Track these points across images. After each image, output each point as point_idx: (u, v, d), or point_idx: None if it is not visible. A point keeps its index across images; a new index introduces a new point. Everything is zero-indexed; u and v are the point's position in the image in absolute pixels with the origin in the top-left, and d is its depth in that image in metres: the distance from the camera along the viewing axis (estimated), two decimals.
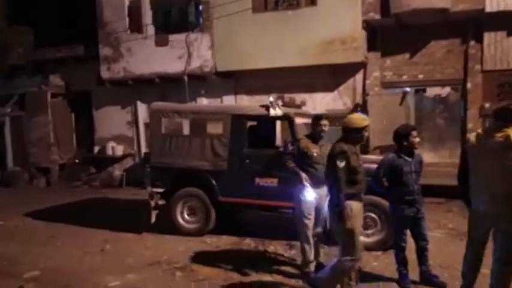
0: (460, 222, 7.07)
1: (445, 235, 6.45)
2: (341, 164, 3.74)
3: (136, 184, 11.10)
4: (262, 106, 6.27)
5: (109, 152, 12.11)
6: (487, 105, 8.91)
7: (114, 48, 11.34)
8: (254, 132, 7.12)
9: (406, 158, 4.45)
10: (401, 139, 4.47)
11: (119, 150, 12.12)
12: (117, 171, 12.38)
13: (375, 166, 5.59)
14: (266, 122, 6.78)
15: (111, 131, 12.40)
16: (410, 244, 4.72)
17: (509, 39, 8.75)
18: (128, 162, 12.46)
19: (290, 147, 5.86)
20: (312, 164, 4.77)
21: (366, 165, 5.22)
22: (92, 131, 12.74)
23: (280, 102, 6.13)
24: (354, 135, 3.88)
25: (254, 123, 7.26)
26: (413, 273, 4.62)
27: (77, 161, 12.99)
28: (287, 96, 6.71)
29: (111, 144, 12.14)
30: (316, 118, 5.01)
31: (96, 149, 12.57)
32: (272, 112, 6.06)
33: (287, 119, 6.12)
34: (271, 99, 6.08)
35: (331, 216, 3.91)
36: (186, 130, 6.76)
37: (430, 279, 4.54)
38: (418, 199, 4.48)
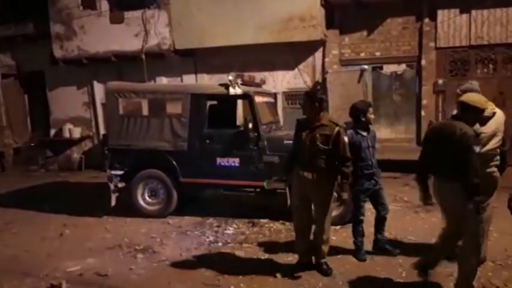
0: (416, 195, 7.33)
1: (400, 208, 6.71)
2: (477, 149, 3.36)
3: (96, 167, 10.82)
4: (221, 85, 6.23)
5: (66, 134, 11.73)
6: (440, 81, 9.22)
7: (66, 25, 10.86)
8: (215, 112, 7.09)
9: (363, 133, 4.58)
10: (360, 114, 4.59)
11: (77, 132, 11.75)
12: (76, 154, 12.04)
13: None
14: (226, 101, 6.75)
15: (68, 113, 11.98)
16: (367, 217, 4.92)
17: (462, 16, 9.01)
18: (87, 145, 12.13)
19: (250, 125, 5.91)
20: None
21: None
22: (47, 113, 12.27)
23: (239, 81, 6.09)
24: (474, 115, 3.49)
25: (214, 102, 7.23)
26: (369, 246, 4.82)
27: (32, 144, 12.50)
28: (247, 74, 6.62)
29: (68, 126, 11.75)
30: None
31: (53, 131, 12.15)
32: (232, 91, 6.03)
33: (247, 97, 6.11)
34: (230, 77, 6.03)
35: (463, 209, 3.43)
36: (144, 110, 6.60)
37: (384, 246, 4.77)
38: (376, 172, 4.68)
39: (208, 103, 7.04)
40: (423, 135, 4.22)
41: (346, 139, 4.04)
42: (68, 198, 8.15)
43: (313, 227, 4.27)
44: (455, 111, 3.80)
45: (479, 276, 4.06)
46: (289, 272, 4.24)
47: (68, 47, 10.96)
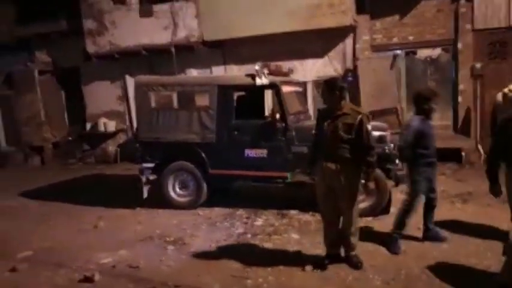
0: (453, 184, 7.15)
1: None
2: None
3: (130, 159, 11.01)
4: (248, 75, 6.18)
5: (101, 128, 12.01)
6: (477, 65, 8.80)
7: (97, 21, 11.07)
8: (243, 103, 7.07)
9: (428, 120, 4.44)
10: (424, 102, 4.41)
11: (111, 126, 12.02)
12: (111, 147, 12.34)
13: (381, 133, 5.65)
14: (253, 92, 6.70)
15: (102, 107, 12.25)
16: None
17: None
18: (121, 138, 12.37)
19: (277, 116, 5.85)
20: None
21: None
22: (83, 107, 12.60)
23: (266, 71, 6.02)
24: None
25: (242, 93, 7.20)
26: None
27: (70, 138, 12.89)
28: (273, 64, 6.54)
29: (102, 120, 12.03)
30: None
31: (88, 125, 12.46)
32: (258, 81, 5.98)
33: (274, 87, 6.05)
34: (256, 67, 5.98)
35: None
36: (173, 103, 6.64)
37: (436, 235, 4.68)
38: (436, 160, 4.59)
39: (236, 94, 7.06)
40: (498, 126, 4.00)
41: (369, 127, 3.93)
42: (104, 190, 8.38)
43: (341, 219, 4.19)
44: (499, 97, 3.64)
45: None
46: (318, 264, 4.18)
47: (100, 42, 11.17)
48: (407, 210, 4.52)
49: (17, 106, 12.74)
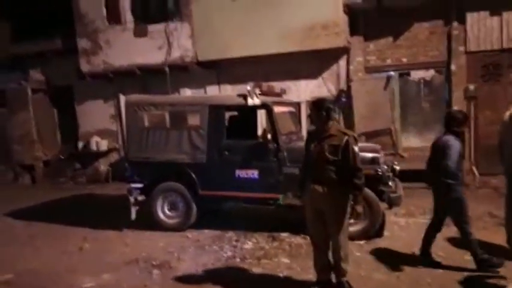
0: None
1: (429, 220, 6.34)
2: None
3: (122, 179, 10.87)
4: (239, 95, 6.11)
5: (93, 147, 11.88)
6: (471, 87, 8.80)
7: (92, 40, 11.06)
8: (235, 123, 7.00)
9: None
10: (458, 125, 4.40)
11: (103, 145, 11.90)
12: (103, 166, 12.19)
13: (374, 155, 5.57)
14: (246, 112, 6.64)
15: (95, 126, 12.16)
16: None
17: (493, 18, 8.60)
18: (114, 157, 12.25)
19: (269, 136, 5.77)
20: None
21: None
22: (75, 126, 12.50)
23: (258, 91, 5.96)
24: None
25: (235, 113, 7.14)
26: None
27: (62, 157, 12.74)
28: (265, 84, 6.49)
29: (95, 139, 11.91)
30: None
31: (81, 144, 12.32)
32: (250, 101, 5.90)
33: (265, 107, 5.98)
34: (248, 88, 5.92)
35: None
36: (163, 123, 6.56)
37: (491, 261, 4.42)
38: None
39: (229, 114, 6.99)
40: None
41: (356, 148, 3.82)
42: (92, 210, 8.21)
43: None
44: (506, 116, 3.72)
45: None
46: None
47: (94, 61, 11.14)
48: (468, 232, 4.40)
49: (9, 124, 12.62)
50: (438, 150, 4.41)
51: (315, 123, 4.00)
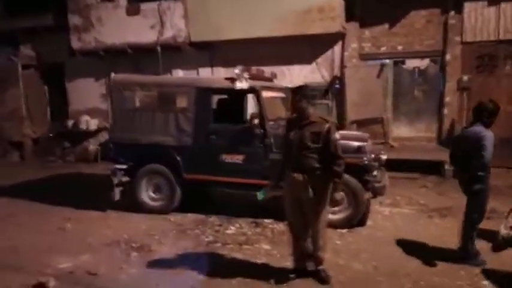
0: (433, 198, 7.01)
1: (415, 211, 6.35)
2: None
3: (110, 159, 10.83)
4: (227, 79, 6.00)
5: (83, 126, 11.78)
6: (465, 78, 8.71)
7: (84, 17, 10.87)
8: (223, 107, 6.89)
9: None
10: (489, 116, 4.24)
11: (93, 124, 11.79)
12: (92, 145, 12.09)
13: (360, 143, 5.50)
14: (234, 96, 6.53)
15: (85, 104, 12.03)
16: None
17: (490, 9, 8.48)
18: (103, 136, 12.13)
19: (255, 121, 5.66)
20: None
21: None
22: (66, 104, 12.37)
23: (246, 75, 5.84)
24: None
25: (224, 96, 7.02)
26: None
27: (51, 135, 12.62)
28: (255, 68, 6.36)
29: (85, 118, 11.80)
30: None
31: (70, 122, 12.20)
32: (238, 85, 5.79)
33: (253, 92, 5.87)
34: (236, 71, 5.80)
35: None
36: (149, 104, 6.45)
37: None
38: None
39: (217, 97, 6.88)
40: None
41: (337, 136, 3.77)
42: (77, 190, 8.13)
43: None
44: None
45: None
46: (282, 278, 3.99)
47: (86, 38, 10.97)
48: (474, 221, 4.31)
49: None
50: (467, 142, 4.25)
51: (296, 110, 3.90)
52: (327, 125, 3.72)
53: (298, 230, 3.97)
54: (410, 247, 4.83)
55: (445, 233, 5.23)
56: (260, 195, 4.92)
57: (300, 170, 3.75)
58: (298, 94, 3.80)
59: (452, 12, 8.74)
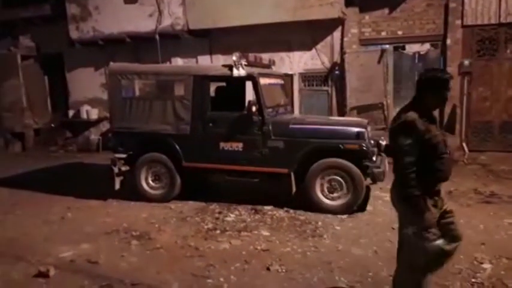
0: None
1: None
2: None
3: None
4: (225, 66, 5.97)
5: (84, 115, 11.77)
6: (466, 62, 8.63)
7: (81, 6, 10.79)
8: (222, 94, 6.87)
9: None
10: None
11: (94, 113, 11.77)
12: (93, 135, 12.10)
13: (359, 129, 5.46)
14: (232, 83, 6.51)
15: (86, 94, 12.00)
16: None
17: None
18: (105, 126, 12.13)
19: (254, 108, 5.64)
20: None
21: None
22: (66, 94, 12.35)
23: (244, 62, 5.81)
24: None
25: (222, 84, 7.00)
26: None
27: (52, 125, 12.63)
28: (252, 54, 6.31)
29: (85, 107, 11.78)
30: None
31: (71, 112, 12.21)
32: (235, 72, 5.77)
33: (251, 79, 5.84)
34: (234, 58, 5.76)
35: None
36: (147, 92, 6.43)
37: None
38: None
39: (215, 85, 6.86)
40: None
41: None
42: (78, 180, 8.17)
43: None
44: None
45: (490, 275, 3.75)
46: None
47: (83, 28, 10.90)
48: None
49: None
50: None
51: (433, 102, 2.81)
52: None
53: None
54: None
55: None
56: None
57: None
58: (439, 83, 2.76)
59: None
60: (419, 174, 2.68)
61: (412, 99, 2.88)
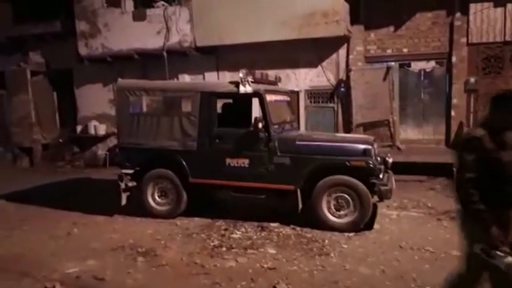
0: (441, 200, 6.94)
1: (423, 214, 6.30)
2: None
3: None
4: (231, 83, 6.02)
5: (91, 131, 11.89)
6: (472, 79, 8.65)
7: (91, 23, 10.98)
8: (228, 111, 6.92)
9: None
10: None
11: (102, 129, 11.88)
12: (101, 150, 12.19)
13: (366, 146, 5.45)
14: (239, 100, 6.54)
15: (94, 110, 12.13)
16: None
17: (496, 10, 8.42)
18: (112, 142, 12.21)
19: (260, 125, 5.66)
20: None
21: None
22: (75, 109, 12.49)
23: (250, 78, 5.86)
24: None
25: (228, 100, 7.05)
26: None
27: (60, 140, 12.74)
28: (259, 71, 6.37)
29: (93, 123, 11.90)
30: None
31: (79, 128, 12.33)
32: (242, 89, 5.81)
33: (257, 96, 5.88)
34: (240, 75, 5.82)
35: None
36: (154, 108, 6.48)
37: None
38: None
39: (222, 101, 6.90)
40: None
41: None
42: (85, 195, 8.19)
43: None
44: None
45: None
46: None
47: (93, 44, 11.07)
48: None
49: (8, 106, 12.62)
50: None
51: (502, 121, 2.66)
52: None
53: None
54: (418, 251, 4.80)
55: (454, 237, 5.15)
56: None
57: None
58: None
59: (458, 14, 8.70)
60: (485, 198, 2.56)
61: (484, 118, 2.82)
